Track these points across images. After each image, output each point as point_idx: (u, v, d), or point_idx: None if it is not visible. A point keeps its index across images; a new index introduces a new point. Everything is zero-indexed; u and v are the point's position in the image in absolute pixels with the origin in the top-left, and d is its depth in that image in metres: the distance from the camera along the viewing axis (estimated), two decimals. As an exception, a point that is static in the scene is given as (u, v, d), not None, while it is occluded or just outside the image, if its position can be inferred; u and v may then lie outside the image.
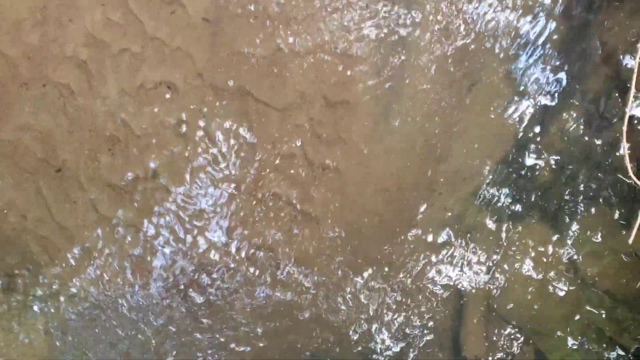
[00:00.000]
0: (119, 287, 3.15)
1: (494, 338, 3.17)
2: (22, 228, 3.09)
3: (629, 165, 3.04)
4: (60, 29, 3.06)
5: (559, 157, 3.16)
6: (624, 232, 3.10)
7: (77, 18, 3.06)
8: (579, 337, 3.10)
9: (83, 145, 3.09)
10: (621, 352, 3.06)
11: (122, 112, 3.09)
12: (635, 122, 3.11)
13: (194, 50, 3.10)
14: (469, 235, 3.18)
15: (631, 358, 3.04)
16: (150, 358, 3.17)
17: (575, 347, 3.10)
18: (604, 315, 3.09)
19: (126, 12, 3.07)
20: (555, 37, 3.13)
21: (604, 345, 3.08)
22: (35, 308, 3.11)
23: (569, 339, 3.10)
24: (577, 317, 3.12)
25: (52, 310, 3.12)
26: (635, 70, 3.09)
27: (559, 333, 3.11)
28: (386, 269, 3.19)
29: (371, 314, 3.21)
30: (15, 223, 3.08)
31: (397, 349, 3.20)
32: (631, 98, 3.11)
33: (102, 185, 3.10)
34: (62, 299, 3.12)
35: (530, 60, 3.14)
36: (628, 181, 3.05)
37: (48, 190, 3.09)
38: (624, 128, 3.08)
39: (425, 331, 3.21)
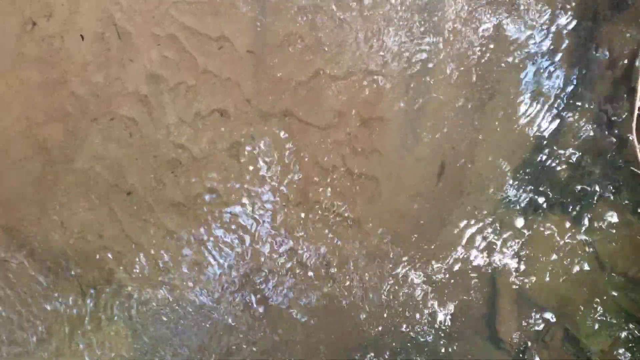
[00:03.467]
0: (186, 293, 3.54)
1: (526, 321, 3.51)
2: (99, 246, 3.48)
3: None
4: (122, 68, 3.45)
5: (574, 155, 3.50)
6: (637, 220, 3.43)
7: (137, 57, 3.44)
8: (602, 316, 3.43)
9: (148, 170, 3.48)
10: (641, 327, 3.40)
11: (182, 138, 3.47)
12: (642, 119, 3.43)
13: (242, 80, 3.47)
14: (497, 229, 3.53)
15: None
16: (218, 353, 3.55)
17: (599, 324, 3.43)
18: (622, 295, 3.42)
19: (179, 49, 3.45)
20: (565, 47, 3.47)
21: (625, 321, 3.41)
22: (117, 316, 3.50)
23: (593, 317, 3.44)
24: (599, 297, 3.45)
25: (131, 316, 3.51)
26: None
27: (583, 313, 3.45)
28: (424, 265, 3.54)
29: (413, 305, 3.56)
30: (93, 242, 3.48)
31: (436, 337, 3.56)
32: (638, 97, 3.44)
33: (167, 205, 3.48)
34: (138, 306, 3.51)
35: (543, 70, 3.48)
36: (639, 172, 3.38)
37: (120, 211, 3.48)
38: (633, 125, 3.41)
39: (462, 319, 3.55)
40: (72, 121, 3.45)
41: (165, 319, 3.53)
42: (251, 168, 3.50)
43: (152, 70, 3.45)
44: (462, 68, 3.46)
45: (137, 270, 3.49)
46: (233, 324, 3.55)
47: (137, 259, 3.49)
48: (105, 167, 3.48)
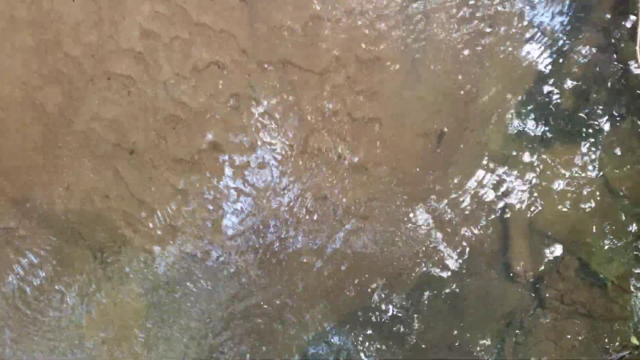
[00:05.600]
0: (196, 249, 3.52)
1: (539, 253, 3.49)
2: (106, 207, 3.46)
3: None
4: (114, 26, 3.40)
5: (578, 84, 3.45)
6: (646, 143, 3.39)
7: (128, 14, 3.39)
8: (615, 242, 3.41)
9: (149, 127, 3.45)
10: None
11: (180, 93, 3.43)
12: (645, 41, 3.37)
13: (236, 30, 3.42)
14: (504, 162, 3.49)
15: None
16: (233, 309, 3.54)
17: (612, 251, 3.41)
18: (633, 220, 3.39)
19: (171, 3, 3.40)
20: (562, -27, 3.40)
21: (638, 246, 3.39)
22: (127, 275, 3.49)
23: (606, 244, 3.42)
24: (610, 224, 3.43)
25: (143, 275, 3.50)
26: (640, -6, 3.36)
27: (596, 241, 3.43)
28: (433, 203, 3.52)
29: (424, 245, 3.55)
30: (100, 203, 3.46)
31: (450, 274, 3.54)
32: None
33: (171, 161, 3.46)
34: (149, 265, 3.50)
35: (542, -3, 3.42)
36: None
37: (124, 171, 3.46)
38: (637, 48, 3.36)
39: (475, 255, 3.53)
40: (68, 83, 3.41)
41: (176, 276, 3.52)
42: (252, 119, 3.47)
43: (145, 26, 3.40)
44: (460, 2, 3.40)
45: (146, 229, 3.48)
46: (246, 277, 3.54)
47: (145, 218, 3.47)
48: (105, 127, 3.45)
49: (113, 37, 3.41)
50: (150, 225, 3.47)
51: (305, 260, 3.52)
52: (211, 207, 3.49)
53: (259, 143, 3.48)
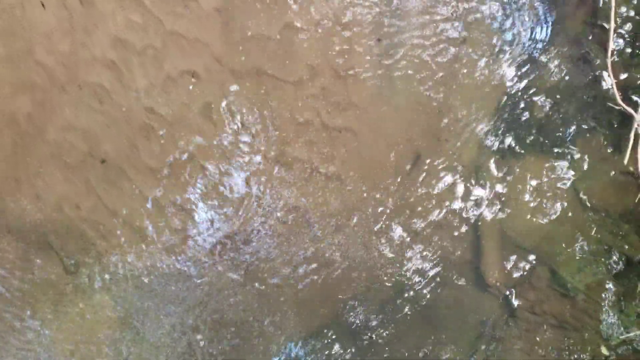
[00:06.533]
0: (168, 260, 3.50)
1: (511, 263, 3.51)
2: (77, 217, 3.43)
3: (617, 93, 3.35)
4: (87, 34, 3.37)
5: (550, 96, 3.48)
6: (614, 156, 3.42)
7: (101, 23, 3.36)
8: (585, 252, 3.44)
9: (121, 136, 3.42)
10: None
11: (153, 102, 3.41)
12: (615, 56, 3.41)
13: (210, 39, 3.41)
14: (476, 174, 3.51)
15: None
16: (203, 319, 3.53)
17: (582, 261, 3.44)
18: (603, 230, 3.42)
19: (144, 12, 3.37)
20: (534, -14, 3.43)
21: (610, 257, 3.42)
22: (99, 286, 3.46)
23: (576, 254, 3.44)
24: (580, 234, 3.45)
25: (114, 285, 3.47)
26: (613, 6, 3.38)
27: (566, 251, 3.45)
28: (406, 214, 3.53)
29: (398, 256, 3.55)
30: (70, 213, 3.42)
31: (423, 285, 3.55)
32: (611, 34, 3.41)
33: (143, 170, 3.43)
34: (120, 275, 3.47)
35: (513, 11, 3.44)
36: (617, 108, 3.36)
37: (96, 180, 3.43)
38: (608, 62, 3.39)
39: (448, 265, 3.54)
40: (40, 92, 3.37)
41: (147, 286, 3.50)
42: (226, 128, 3.45)
43: (118, 34, 3.38)
44: (433, 13, 3.42)
45: (117, 240, 3.45)
46: (218, 289, 3.52)
47: (116, 228, 3.44)
48: (77, 136, 3.41)
49: (86, 45, 3.38)
50: (122, 236, 3.44)
51: (277, 274, 3.51)
52: (183, 218, 3.47)
53: (233, 153, 3.47)
